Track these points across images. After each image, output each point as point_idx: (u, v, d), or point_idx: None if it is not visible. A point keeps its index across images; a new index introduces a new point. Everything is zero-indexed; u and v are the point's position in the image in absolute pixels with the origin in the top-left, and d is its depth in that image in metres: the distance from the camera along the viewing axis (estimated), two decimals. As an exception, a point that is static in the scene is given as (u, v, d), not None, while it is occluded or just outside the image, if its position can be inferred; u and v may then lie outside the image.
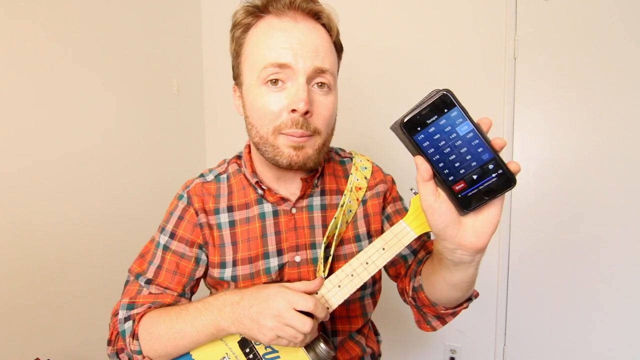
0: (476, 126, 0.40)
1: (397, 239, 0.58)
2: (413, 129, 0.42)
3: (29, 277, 1.09)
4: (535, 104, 1.35)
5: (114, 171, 1.35)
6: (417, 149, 0.42)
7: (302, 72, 0.58)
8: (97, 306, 1.27)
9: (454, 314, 0.67)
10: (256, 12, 0.60)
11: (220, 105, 1.80)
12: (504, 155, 0.42)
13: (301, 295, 0.53)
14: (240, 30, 0.62)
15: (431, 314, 0.68)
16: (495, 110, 1.37)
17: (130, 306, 0.65)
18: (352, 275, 0.58)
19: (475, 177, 0.41)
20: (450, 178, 0.42)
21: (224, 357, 0.60)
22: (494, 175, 0.41)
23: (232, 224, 0.68)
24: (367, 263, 0.58)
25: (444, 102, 0.40)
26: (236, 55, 0.64)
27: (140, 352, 0.60)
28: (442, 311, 0.64)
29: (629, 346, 1.27)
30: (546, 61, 1.32)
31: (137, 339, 0.61)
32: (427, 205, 0.44)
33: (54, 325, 1.16)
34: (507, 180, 0.41)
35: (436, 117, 0.41)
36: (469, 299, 0.65)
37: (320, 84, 0.60)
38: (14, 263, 1.06)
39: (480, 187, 0.41)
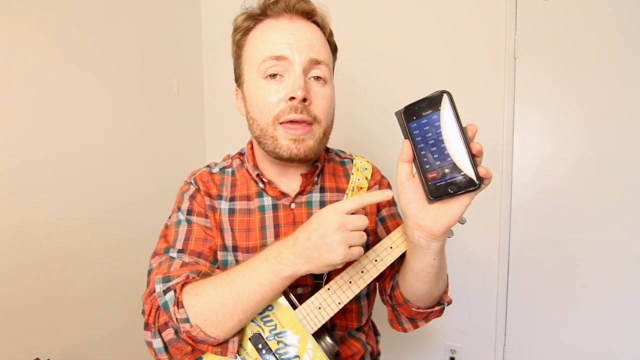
0: (461, 128, 0.46)
1: (403, 238, 0.62)
2: (410, 117, 0.48)
3: (29, 277, 1.09)
4: (535, 104, 1.35)
5: (114, 171, 1.35)
6: (408, 134, 0.49)
7: (298, 63, 0.62)
8: (97, 306, 1.28)
9: (427, 319, 0.70)
10: (255, 16, 0.65)
11: (220, 105, 1.80)
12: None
13: (343, 201, 0.53)
14: (240, 33, 0.67)
15: (404, 315, 0.70)
16: (495, 110, 1.37)
17: (166, 279, 0.60)
18: (362, 272, 0.62)
19: (447, 170, 0.46)
20: (427, 166, 0.48)
21: (236, 355, 0.60)
22: (462, 173, 0.46)
23: (231, 211, 0.70)
24: (375, 261, 0.62)
25: (440, 101, 0.46)
26: (237, 57, 0.69)
27: (187, 320, 0.55)
28: (414, 310, 0.66)
29: (629, 345, 1.27)
30: (546, 61, 1.32)
31: (183, 307, 0.56)
32: (399, 183, 0.52)
33: (54, 325, 1.16)
34: (471, 181, 0.45)
35: (431, 111, 0.47)
36: (441, 304, 0.68)
37: (316, 77, 0.64)
38: (14, 263, 1.06)
39: (448, 180, 0.46)
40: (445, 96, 0.46)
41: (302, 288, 0.69)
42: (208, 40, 1.80)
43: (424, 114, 0.47)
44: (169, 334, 0.58)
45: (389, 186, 0.80)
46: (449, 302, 0.69)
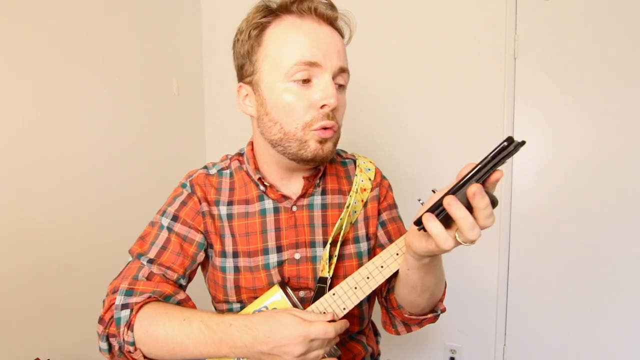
0: (470, 179, 0.42)
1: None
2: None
3: (29, 277, 1.09)
4: (535, 104, 1.35)
5: (114, 171, 1.35)
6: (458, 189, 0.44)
7: (329, 70, 0.60)
8: (97, 306, 1.27)
9: (420, 325, 0.70)
10: (274, 12, 0.62)
11: (220, 105, 1.80)
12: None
13: (317, 325, 0.55)
14: (257, 29, 0.63)
15: (398, 318, 0.70)
16: (495, 110, 1.37)
17: (129, 292, 0.62)
18: (367, 277, 0.61)
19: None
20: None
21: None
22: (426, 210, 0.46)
23: (229, 217, 0.69)
24: (381, 267, 0.61)
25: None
26: (250, 54, 0.64)
27: (133, 344, 0.58)
28: (407, 316, 0.67)
29: (628, 346, 1.27)
30: (546, 61, 1.32)
31: (132, 331, 0.58)
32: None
33: (54, 325, 1.16)
34: (419, 219, 0.46)
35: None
36: (435, 312, 0.68)
37: (339, 85, 0.64)
38: (13, 263, 1.05)
39: (424, 212, 0.46)
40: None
41: (304, 291, 0.69)
42: (208, 41, 1.80)
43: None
44: (114, 343, 0.61)
45: (389, 188, 0.79)
46: (443, 311, 0.69)
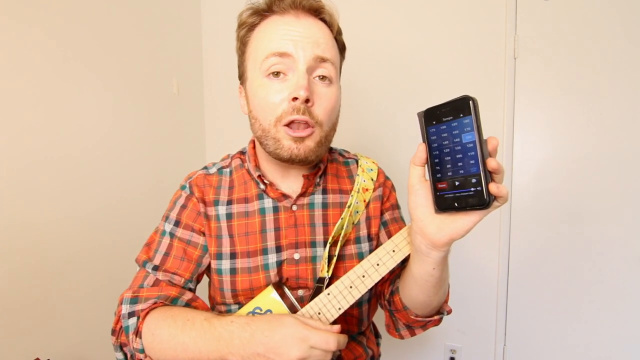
0: (480, 140, 0.42)
1: (406, 241, 0.60)
2: (430, 120, 0.46)
3: (29, 276, 1.09)
4: (535, 104, 1.34)
5: (114, 171, 1.35)
6: (425, 137, 0.47)
7: (302, 61, 0.59)
8: (97, 306, 1.27)
9: (424, 327, 0.69)
10: (261, 12, 0.63)
11: (220, 105, 1.80)
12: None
13: (318, 332, 0.53)
14: (245, 29, 0.64)
15: (402, 321, 0.69)
16: (495, 110, 1.37)
17: (134, 300, 0.62)
18: (363, 276, 0.60)
19: (457, 183, 0.44)
20: (438, 175, 0.45)
21: None
22: (472, 189, 0.42)
23: (229, 216, 0.69)
24: (377, 265, 0.60)
25: (462, 107, 0.43)
26: (241, 53, 0.66)
27: (142, 351, 0.59)
28: (413, 317, 0.65)
29: (628, 346, 1.27)
30: (546, 61, 1.32)
31: (141, 337, 0.59)
32: (410, 185, 0.50)
33: (54, 325, 1.16)
34: (481, 198, 0.42)
35: (451, 117, 0.44)
36: (440, 313, 0.67)
37: (321, 77, 0.62)
38: (13, 263, 1.06)
39: (456, 194, 0.44)
40: (470, 103, 0.42)
41: (303, 290, 0.68)
42: (208, 40, 1.80)
43: (444, 119, 0.44)
44: (127, 352, 0.63)
45: (392, 188, 0.79)
46: (449, 312, 0.68)
